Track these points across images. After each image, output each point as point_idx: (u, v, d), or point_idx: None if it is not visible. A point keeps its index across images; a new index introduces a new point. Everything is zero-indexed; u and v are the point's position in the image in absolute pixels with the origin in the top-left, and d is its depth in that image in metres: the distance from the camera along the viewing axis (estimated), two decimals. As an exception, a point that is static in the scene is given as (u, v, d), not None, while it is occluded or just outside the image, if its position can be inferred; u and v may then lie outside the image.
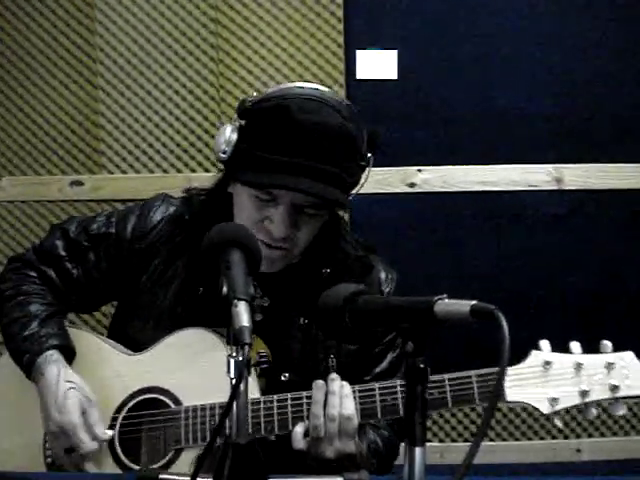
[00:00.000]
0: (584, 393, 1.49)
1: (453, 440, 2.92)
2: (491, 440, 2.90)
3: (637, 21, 2.77)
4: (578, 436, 2.91)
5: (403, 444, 1.15)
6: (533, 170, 2.82)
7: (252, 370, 1.58)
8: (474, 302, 1.07)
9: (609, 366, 1.50)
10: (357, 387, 1.61)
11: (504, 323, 1.01)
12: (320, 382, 1.61)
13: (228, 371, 1.11)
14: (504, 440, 2.93)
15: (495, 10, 2.78)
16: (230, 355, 1.11)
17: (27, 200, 2.90)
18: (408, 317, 1.13)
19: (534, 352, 1.52)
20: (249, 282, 1.21)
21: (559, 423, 1.51)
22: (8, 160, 2.90)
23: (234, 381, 1.10)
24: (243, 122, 1.67)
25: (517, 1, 2.79)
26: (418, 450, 1.10)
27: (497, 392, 1.01)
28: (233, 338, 1.12)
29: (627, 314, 2.81)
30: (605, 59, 2.78)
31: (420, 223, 2.85)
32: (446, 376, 1.55)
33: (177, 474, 1.52)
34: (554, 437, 2.92)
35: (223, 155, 1.66)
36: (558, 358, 1.51)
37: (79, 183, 2.87)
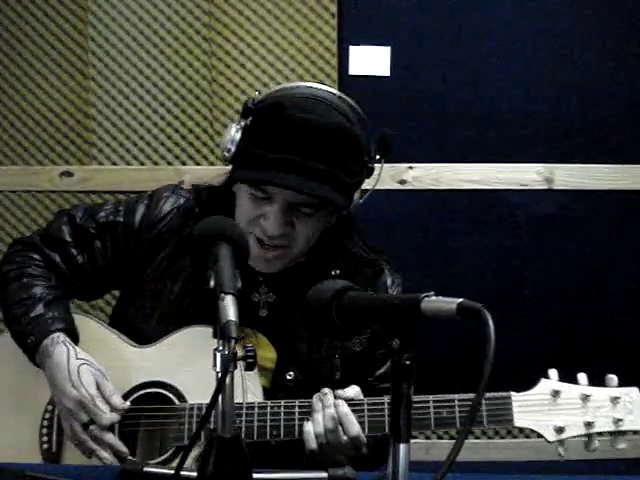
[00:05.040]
0: (589, 424, 1.53)
1: (439, 437, 2.92)
2: (476, 438, 2.91)
3: (627, 22, 2.78)
4: (563, 435, 2.91)
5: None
6: (523, 169, 2.82)
7: (255, 373, 1.61)
8: (461, 300, 1.07)
9: (614, 400, 1.53)
10: (366, 400, 1.60)
11: (490, 322, 1.01)
12: (316, 396, 1.60)
13: (214, 365, 1.11)
14: (489, 438, 2.93)
15: (488, 9, 2.78)
16: (216, 349, 1.11)
17: (16, 190, 2.89)
18: (395, 314, 1.13)
19: (543, 380, 1.56)
20: (236, 276, 1.20)
21: (562, 452, 1.55)
22: (-2, 149, 2.89)
23: (219, 375, 1.10)
24: (247, 122, 1.68)
25: (510, 0, 2.80)
26: (402, 447, 1.10)
27: (481, 389, 1.01)
28: (220, 332, 1.12)
29: (615, 313, 2.82)
30: (596, 60, 2.79)
31: (410, 220, 2.85)
32: (431, 397, 1.57)
33: (161, 467, 1.52)
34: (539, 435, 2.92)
35: (227, 154, 1.67)
36: (566, 388, 1.55)
37: (69, 174, 2.86)
